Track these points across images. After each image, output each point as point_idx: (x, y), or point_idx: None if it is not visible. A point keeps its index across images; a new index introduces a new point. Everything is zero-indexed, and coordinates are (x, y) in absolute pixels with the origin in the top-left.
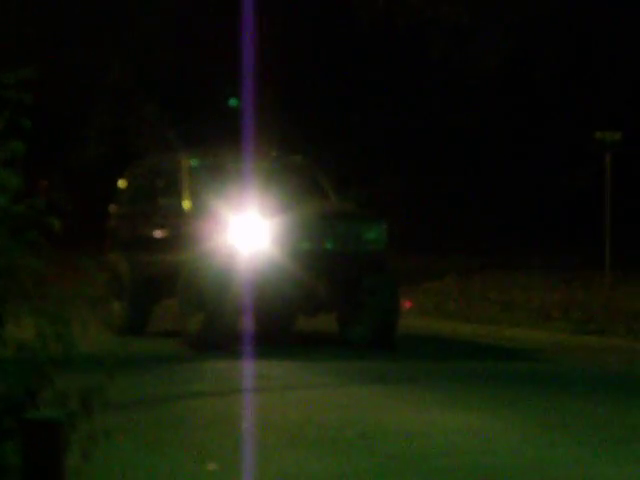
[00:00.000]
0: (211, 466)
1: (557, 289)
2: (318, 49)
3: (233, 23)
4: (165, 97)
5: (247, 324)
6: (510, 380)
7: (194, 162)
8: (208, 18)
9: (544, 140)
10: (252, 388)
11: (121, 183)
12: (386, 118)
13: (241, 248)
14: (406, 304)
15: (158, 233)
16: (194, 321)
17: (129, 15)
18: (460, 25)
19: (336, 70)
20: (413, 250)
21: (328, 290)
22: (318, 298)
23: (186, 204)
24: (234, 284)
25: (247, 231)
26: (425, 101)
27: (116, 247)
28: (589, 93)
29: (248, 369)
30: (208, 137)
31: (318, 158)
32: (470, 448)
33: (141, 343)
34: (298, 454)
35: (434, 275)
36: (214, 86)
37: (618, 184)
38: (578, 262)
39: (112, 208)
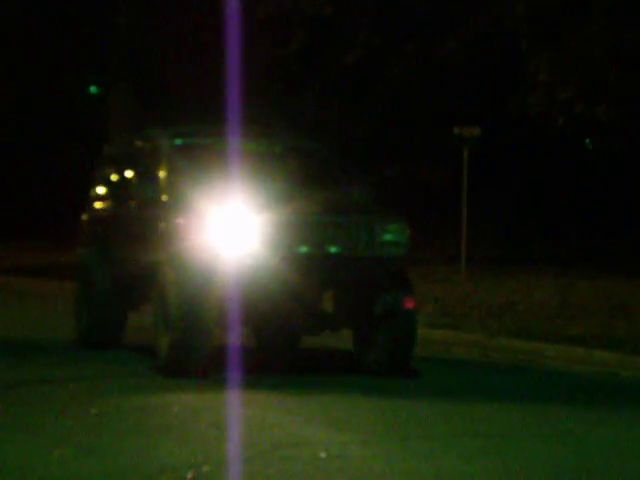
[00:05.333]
0: (60, 451)
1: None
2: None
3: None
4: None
5: (232, 344)
6: (364, 373)
7: (174, 143)
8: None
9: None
10: (110, 375)
11: (96, 168)
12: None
13: (225, 250)
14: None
15: (132, 228)
16: (165, 341)
17: None
18: (322, 16)
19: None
20: None
21: (333, 304)
22: (319, 314)
23: (163, 193)
24: (213, 294)
25: (232, 229)
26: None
27: (87, 242)
28: (450, 89)
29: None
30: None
31: (329, 139)
32: (320, 439)
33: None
34: (148, 440)
35: None
36: (77, 73)
37: (477, 180)
38: (434, 257)
39: (88, 198)
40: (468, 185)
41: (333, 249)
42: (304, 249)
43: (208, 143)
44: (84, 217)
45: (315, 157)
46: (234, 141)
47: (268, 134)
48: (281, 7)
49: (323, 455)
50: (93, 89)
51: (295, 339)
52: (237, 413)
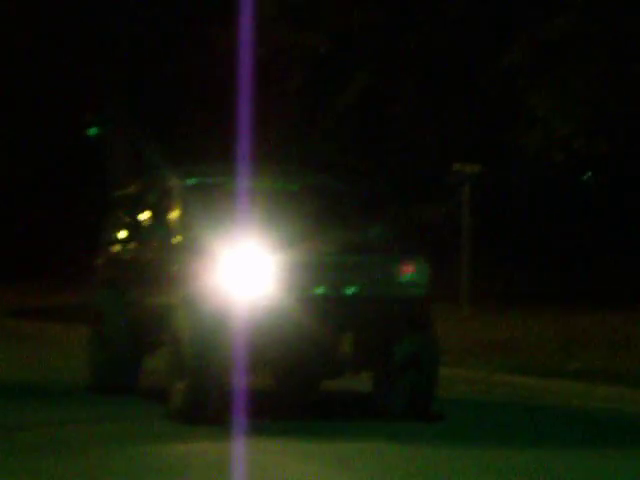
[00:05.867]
0: None
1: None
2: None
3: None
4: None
5: (242, 389)
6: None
7: (186, 183)
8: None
9: (404, 170)
10: (118, 419)
11: (108, 210)
12: None
13: (240, 292)
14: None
15: (145, 270)
16: (178, 385)
17: None
18: (320, 53)
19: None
20: None
21: (352, 347)
22: (337, 357)
23: (176, 235)
24: (228, 338)
25: (246, 270)
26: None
27: (101, 285)
28: (448, 125)
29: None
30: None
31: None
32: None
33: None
34: None
35: None
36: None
37: (477, 217)
38: (434, 293)
39: (101, 240)
40: (469, 221)
41: (350, 290)
42: (320, 290)
43: (221, 182)
44: (97, 260)
45: (332, 195)
46: (248, 180)
47: (283, 172)
48: (281, 44)
49: None
50: (92, 131)
51: (314, 382)
52: (242, 456)
